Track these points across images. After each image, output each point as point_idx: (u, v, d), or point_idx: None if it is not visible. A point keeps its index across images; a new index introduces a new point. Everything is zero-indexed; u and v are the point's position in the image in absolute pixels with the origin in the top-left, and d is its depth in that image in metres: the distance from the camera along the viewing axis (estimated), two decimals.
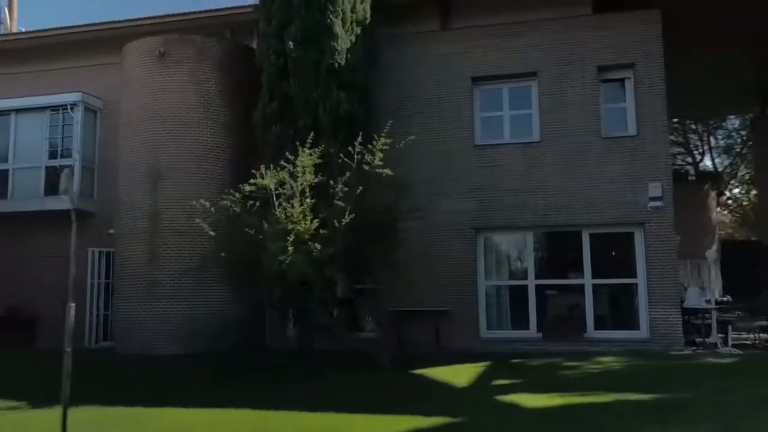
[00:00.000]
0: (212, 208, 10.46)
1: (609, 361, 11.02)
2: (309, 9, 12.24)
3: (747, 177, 32.08)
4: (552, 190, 13.16)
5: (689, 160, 32.85)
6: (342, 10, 12.44)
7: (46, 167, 15.20)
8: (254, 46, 13.89)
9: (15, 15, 21.72)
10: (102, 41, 15.54)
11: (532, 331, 13.13)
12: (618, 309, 13.36)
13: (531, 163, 13.35)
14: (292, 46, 12.15)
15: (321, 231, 9.89)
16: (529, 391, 8.52)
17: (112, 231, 14.12)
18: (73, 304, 5.67)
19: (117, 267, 14.01)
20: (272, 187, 10.18)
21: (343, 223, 9.79)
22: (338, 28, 12.32)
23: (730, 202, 34.46)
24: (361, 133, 10.64)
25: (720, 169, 32.51)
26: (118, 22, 15.54)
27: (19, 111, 15.58)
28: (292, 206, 9.92)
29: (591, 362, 10.96)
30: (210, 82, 13.78)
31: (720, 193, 30.13)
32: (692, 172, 30.63)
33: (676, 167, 29.78)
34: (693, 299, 13.59)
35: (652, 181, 12.76)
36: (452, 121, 13.75)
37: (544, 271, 13.67)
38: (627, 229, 13.08)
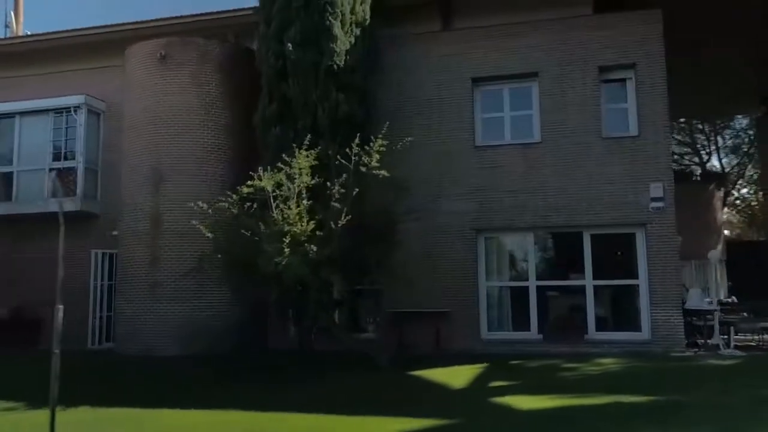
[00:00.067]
0: (210, 210, 10.49)
1: (609, 363, 10.97)
2: (308, 11, 12.25)
3: (755, 177, 31.82)
4: (553, 191, 13.12)
5: (696, 160, 32.64)
6: (341, 11, 12.44)
7: (50, 169, 15.28)
8: (255, 48, 13.93)
9: (21, 18, 21.90)
10: (105, 44, 15.62)
11: (533, 333, 13.08)
12: (619, 310, 13.28)
13: (531, 164, 13.31)
14: (291, 48, 12.17)
15: (317, 233, 9.91)
16: (527, 393, 8.50)
17: (115, 233, 14.23)
18: (61, 306, 5.71)
19: (119, 268, 14.07)
20: (269, 188, 10.21)
21: (339, 225, 9.81)
22: (337, 30, 12.32)
23: (738, 202, 34.20)
24: (359, 135, 10.66)
25: (727, 169, 32.28)
26: (122, 24, 15.62)
27: (23, 114, 15.64)
28: (289, 208, 9.95)
29: (591, 364, 10.92)
30: (211, 84, 13.81)
31: (727, 193, 29.88)
32: (697, 172, 30.37)
33: (682, 167, 29.63)
34: (694, 300, 13.50)
35: (654, 181, 12.70)
36: (453, 122, 13.73)
37: (545, 272, 13.62)
38: (628, 229, 13.02)
